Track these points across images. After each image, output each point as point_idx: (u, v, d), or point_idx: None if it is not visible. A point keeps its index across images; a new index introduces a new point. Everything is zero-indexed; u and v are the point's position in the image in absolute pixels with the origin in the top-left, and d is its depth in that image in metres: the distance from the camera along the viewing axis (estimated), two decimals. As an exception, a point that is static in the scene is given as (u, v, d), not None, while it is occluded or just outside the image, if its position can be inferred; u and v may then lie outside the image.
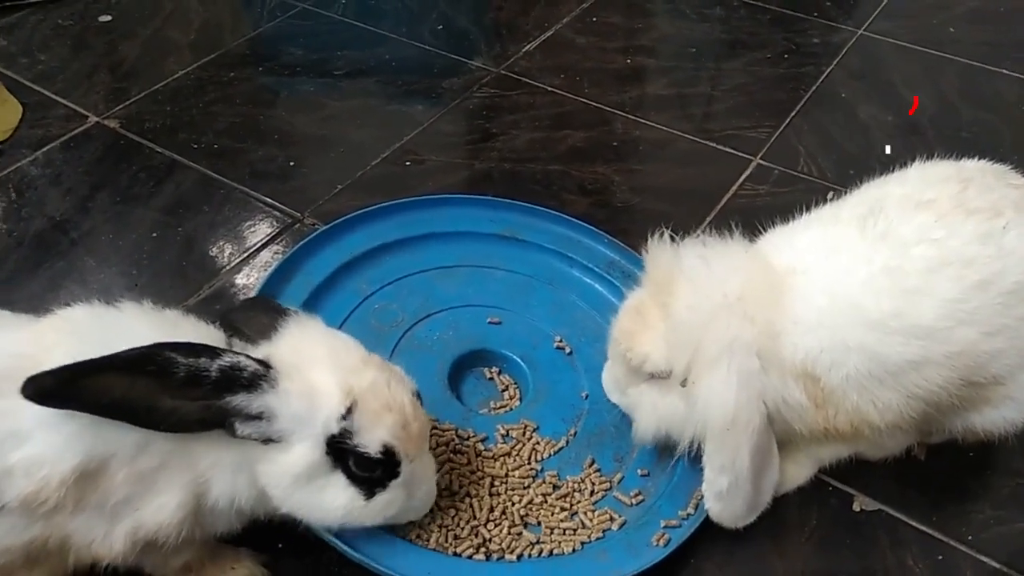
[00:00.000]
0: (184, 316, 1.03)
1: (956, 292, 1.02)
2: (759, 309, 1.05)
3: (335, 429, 0.96)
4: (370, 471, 0.99)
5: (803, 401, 1.07)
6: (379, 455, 0.98)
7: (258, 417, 0.94)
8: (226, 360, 0.92)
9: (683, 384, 1.08)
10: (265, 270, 1.55)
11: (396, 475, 1.01)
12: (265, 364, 0.95)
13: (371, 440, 0.97)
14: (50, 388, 0.85)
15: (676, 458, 1.15)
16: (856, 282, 1.04)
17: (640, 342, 1.11)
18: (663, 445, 1.18)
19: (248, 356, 0.95)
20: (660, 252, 1.12)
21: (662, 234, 1.13)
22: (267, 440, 0.95)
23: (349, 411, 0.96)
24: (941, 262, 1.03)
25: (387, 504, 1.02)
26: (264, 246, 1.64)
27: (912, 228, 1.06)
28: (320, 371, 0.97)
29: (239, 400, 0.92)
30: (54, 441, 0.89)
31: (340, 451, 0.97)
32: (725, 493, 1.09)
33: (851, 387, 1.05)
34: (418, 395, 1.05)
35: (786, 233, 1.17)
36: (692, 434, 1.09)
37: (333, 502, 0.99)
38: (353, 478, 0.99)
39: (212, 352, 0.92)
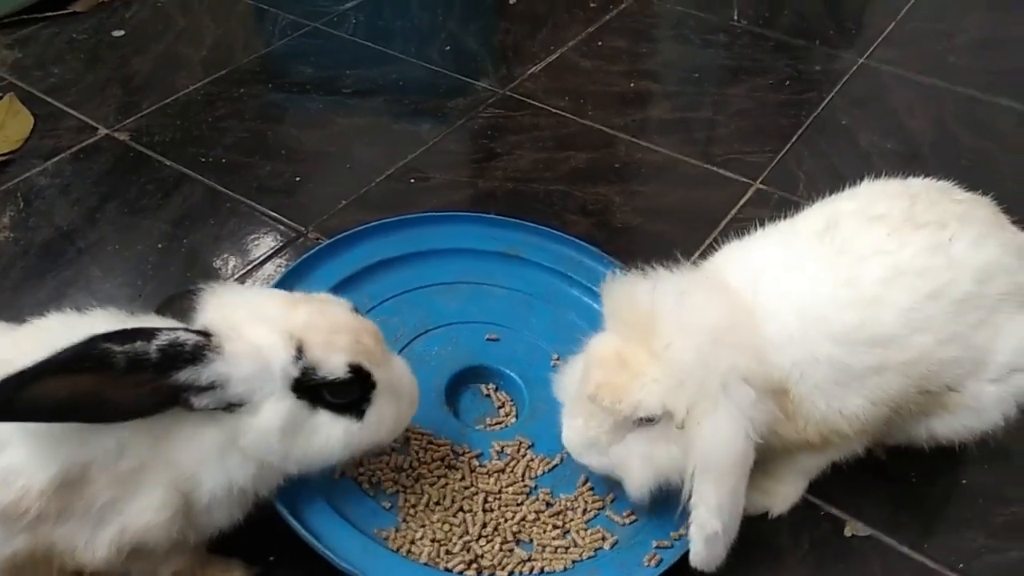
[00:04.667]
0: (155, 318, 1.02)
1: (910, 301, 1.05)
2: (745, 335, 1.05)
3: (296, 373, 0.97)
4: (348, 394, 1.01)
5: (778, 415, 1.07)
6: (349, 375, 0.99)
7: (211, 387, 0.93)
8: (164, 338, 0.90)
9: (680, 426, 1.04)
10: (268, 283, 1.57)
11: (373, 385, 1.02)
12: (205, 333, 0.95)
13: (335, 366, 0.98)
14: None
15: (680, 504, 1.08)
16: (821, 296, 1.07)
17: (628, 391, 1.04)
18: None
19: (186, 329, 0.94)
20: (622, 291, 1.08)
21: (614, 272, 1.12)
22: (229, 406, 0.95)
23: (299, 351, 0.97)
24: (896, 272, 1.06)
25: (380, 415, 1.04)
26: (268, 259, 1.66)
27: (867, 241, 1.09)
28: (254, 327, 0.97)
29: (187, 374, 0.91)
30: (31, 450, 0.89)
31: (311, 390, 0.98)
32: (720, 535, 1.03)
33: (819, 396, 1.07)
34: (355, 309, 1.06)
35: (740, 250, 1.18)
36: (689, 476, 1.04)
37: (330, 439, 1.01)
38: (336, 408, 1.00)
39: (148, 334, 0.90)
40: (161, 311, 1.06)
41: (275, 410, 0.97)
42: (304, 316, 1.00)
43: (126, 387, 0.88)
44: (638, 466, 1.08)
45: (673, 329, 1.03)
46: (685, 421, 1.02)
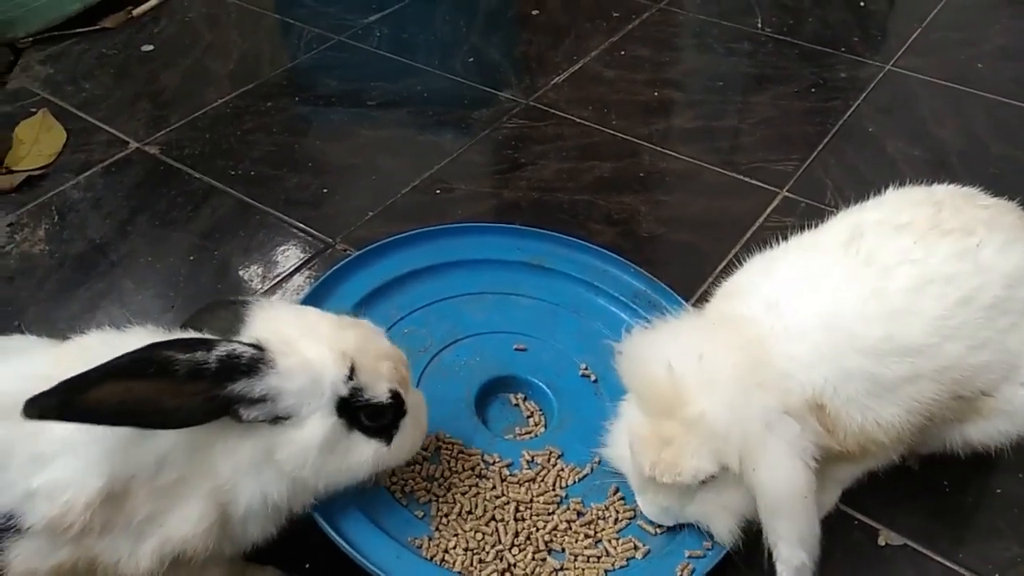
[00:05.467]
0: (188, 334, 1.03)
1: (940, 309, 1.05)
2: (766, 370, 1.05)
3: (345, 392, 1.00)
4: (382, 419, 1.05)
5: (820, 431, 1.07)
6: (390, 401, 1.04)
7: (262, 400, 0.95)
8: (222, 349, 0.92)
9: (738, 473, 1.05)
10: (297, 294, 1.59)
11: (403, 413, 1.08)
12: (259, 347, 0.96)
13: (380, 391, 1.03)
14: (52, 406, 0.84)
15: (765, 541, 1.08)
16: (848, 310, 1.06)
17: (680, 462, 1.06)
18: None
19: (241, 342, 0.96)
20: (637, 368, 1.10)
21: (619, 353, 1.13)
22: (275, 419, 0.97)
23: (352, 371, 1.00)
24: (924, 280, 1.06)
25: (403, 441, 1.09)
26: (297, 271, 1.68)
27: (893, 251, 1.09)
28: (307, 344, 1.00)
29: (241, 386, 0.93)
30: (77, 464, 0.90)
31: (351, 411, 1.02)
32: (807, 564, 1.04)
33: (854, 409, 1.06)
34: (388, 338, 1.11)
35: (764, 266, 1.18)
36: (762, 517, 1.06)
37: (360, 460, 1.05)
38: (369, 431, 1.04)
39: (207, 344, 0.92)
40: (193, 325, 1.07)
41: (318, 426, 0.99)
42: (354, 339, 1.03)
43: (183, 395, 0.90)
44: (717, 516, 1.12)
45: (699, 395, 1.04)
46: (741, 470, 1.04)
